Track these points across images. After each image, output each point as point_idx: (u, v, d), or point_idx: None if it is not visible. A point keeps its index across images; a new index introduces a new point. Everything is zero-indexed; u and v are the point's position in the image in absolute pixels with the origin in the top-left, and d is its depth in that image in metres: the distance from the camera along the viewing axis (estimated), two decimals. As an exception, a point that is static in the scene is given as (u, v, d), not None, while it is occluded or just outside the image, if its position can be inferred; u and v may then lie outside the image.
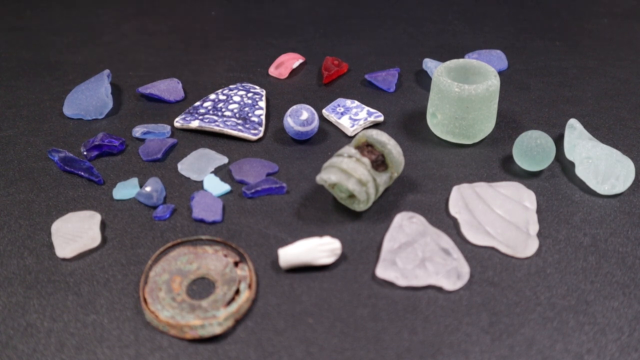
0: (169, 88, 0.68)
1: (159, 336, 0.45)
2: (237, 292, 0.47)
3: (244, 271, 0.48)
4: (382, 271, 0.48)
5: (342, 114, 0.64)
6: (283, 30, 0.81)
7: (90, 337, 0.45)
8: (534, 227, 0.52)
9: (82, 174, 0.58)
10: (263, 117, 0.64)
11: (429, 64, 0.71)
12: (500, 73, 0.71)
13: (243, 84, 0.69)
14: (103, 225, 0.53)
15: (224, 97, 0.67)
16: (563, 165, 0.59)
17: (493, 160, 0.59)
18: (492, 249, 0.51)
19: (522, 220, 0.52)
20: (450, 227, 0.53)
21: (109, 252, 0.51)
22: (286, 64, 0.72)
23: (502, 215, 0.52)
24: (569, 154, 0.59)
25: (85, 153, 0.60)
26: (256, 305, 0.47)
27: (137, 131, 0.63)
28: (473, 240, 0.51)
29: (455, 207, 0.54)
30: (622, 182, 0.55)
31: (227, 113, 0.64)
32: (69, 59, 0.75)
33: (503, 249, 0.50)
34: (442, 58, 0.73)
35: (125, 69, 0.73)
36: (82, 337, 0.45)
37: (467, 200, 0.54)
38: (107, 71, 0.69)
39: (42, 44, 0.78)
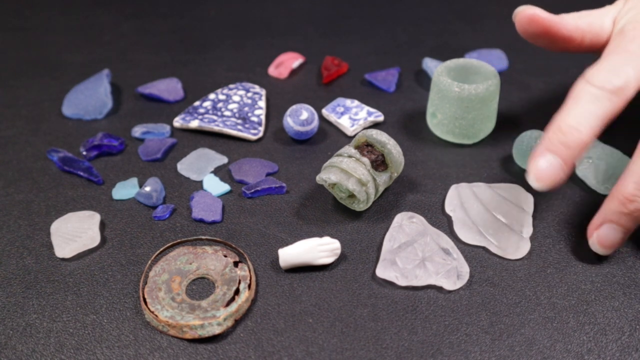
0: (168, 88, 0.68)
1: (159, 336, 0.45)
2: (237, 292, 0.47)
3: (244, 271, 0.48)
4: (382, 271, 0.48)
5: (342, 113, 0.64)
6: (283, 30, 0.81)
7: (89, 337, 0.44)
8: (528, 230, 0.52)
9: (82, 174, 0.58)
10: (263, 117, 0.64)
11: (429, 64, 0.71)
12: (500, 73, 0.71)
13: (243, 84, 0.69)
14: (102, 225, 0.53)
15: (224, 97, 0.67)
16: (563, 165, 0.59)
17: (493, 160, 0.59)
18: (483, 248, 0.51)
19: (516, 222, 0.52)
20: (448, 226, 0.53)
21: (108, 252, 0.51)
22: (286, 63, 0.72)
23: (496, 216, 0.52)
24: (569, 153, 0.59)
25: (84, 153, 0.60)
26: (256, 305, 0.47)
27: (137, 131, 0.63)
28: (464, 239, 0.51)
29: (450, 205, 0.54)
30: (623, 182, 0.55)
31: (227, 113, 0.64)
32: (69, 59, 0.75)
33: (493, 249, 0.50)
34: (442, 58, 0.73)
35: (124, 69, 0.73)
36: (81, 337, 0.44)
37: (463, 200, 0.53)
38: (106, 71, 0.69)
39: (41, 44, 0.78)
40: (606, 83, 0.47)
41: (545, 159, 0.45)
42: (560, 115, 0.47)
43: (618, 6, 0.56)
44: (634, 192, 0.45)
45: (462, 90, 0.57)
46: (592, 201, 0.55)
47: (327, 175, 0.51)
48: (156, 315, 0.45)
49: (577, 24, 0.54)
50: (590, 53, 0.57)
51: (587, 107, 0.46)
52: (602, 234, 0.48)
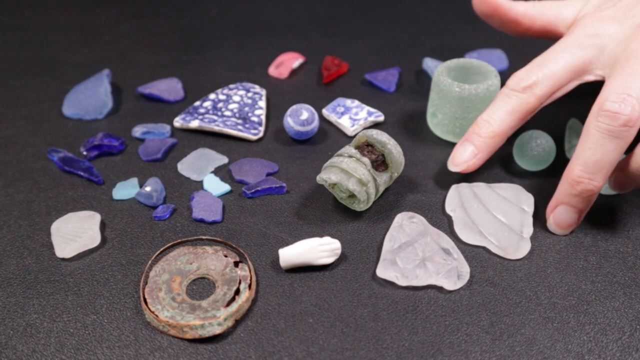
0: (168, 88, 0.68)
1: (159, 336, 0.45)
2: (237, 292, 0.47)
3: (244, 271, 0.48)
4: (383, 271, 0.48)
5: (342, 113, 0.64)
6: (283, 30, 0.81)
7: (90, 338, 0.44)
8: (528, 230, 0.52)
9: (82, 174, 0.58)
10: (263, 117, 0.64)
11: (429, 64, 0.71)
12: (500, 73, 0.71)
13: (243, 84, 0.69)
14: (103, 225, 0.53)
15: (224, 97, 0.67)
16: (563, 165, 0.59)
17: (493, 160, 0.59)
18: (484, 248, 0.51)
19: (516, 223, 0.52)
20: (448, 226, 0.53)
21: (108, 252, 0.51)
22: (286, 63, 0.72)
23: (497, 216, 0.52)
24: (569, 154, 0.59)
25: (84, 153, 0.60)
26: (256, 305, 0.47)
27: (137, 131, 0.63)
28: (465, 239, 0.51)
29: (450, 204, 0.54)
30: (623, 182, 0.55)
31: (227, 113, 0.64)
32: (69, 59, 0.75)
33: (494, 249, 0.50)
34: (442, 58, 0.73)
35: (124, 69, 0.73)
36: (81, 337, 0.44)
37: (464, 200, 0.54)
38: (106, 71, 0.69)
39: (41, 44, 0.78)
40: (515, 85, 0.53)
41: (462, 147, 0.54)
42: (481, 113, 0.55)
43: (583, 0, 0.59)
44: (580, 174, 0.49)
45: (463, 90, 0.57)
46: (593, 201, 0.55)
47: (328, 175, 0.51)
48: (156, 315, 0.45)
49: (526, 10, 0.59)
50: (546, 39, 0.60)
51: (499, 104, 0.54)
52: (557, 215, 0.51)
